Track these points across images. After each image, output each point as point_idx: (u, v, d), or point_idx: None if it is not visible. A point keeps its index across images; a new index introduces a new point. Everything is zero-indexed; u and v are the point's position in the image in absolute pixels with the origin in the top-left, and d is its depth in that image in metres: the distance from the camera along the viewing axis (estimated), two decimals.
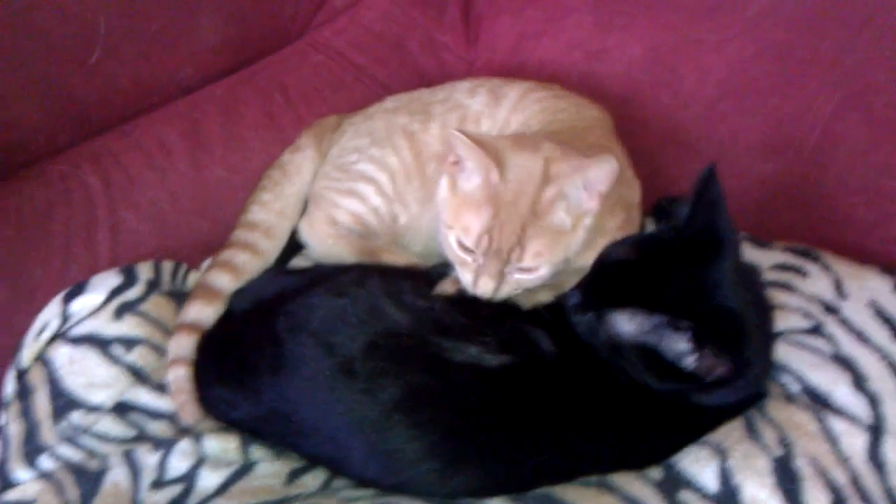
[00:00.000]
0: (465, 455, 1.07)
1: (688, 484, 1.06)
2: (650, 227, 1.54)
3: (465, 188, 1.22)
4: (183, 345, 1.27)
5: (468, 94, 1.52)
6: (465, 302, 1.22)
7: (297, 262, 1.49)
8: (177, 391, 1.23)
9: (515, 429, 1.08)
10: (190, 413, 1.21)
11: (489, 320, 1.18)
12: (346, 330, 1.13)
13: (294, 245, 1.50)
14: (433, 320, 1.15)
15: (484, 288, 1.19)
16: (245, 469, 1.14)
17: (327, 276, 1.29)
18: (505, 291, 1.21)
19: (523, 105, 1.49)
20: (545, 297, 1.25)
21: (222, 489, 1.11)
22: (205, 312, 1.32)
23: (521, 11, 1.84)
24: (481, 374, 1.09)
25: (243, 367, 1.19)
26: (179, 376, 1.24)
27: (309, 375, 1.12)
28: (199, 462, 1.13)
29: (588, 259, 1.29)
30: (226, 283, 1.36)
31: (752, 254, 1.39)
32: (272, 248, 1.46)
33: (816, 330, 1.24)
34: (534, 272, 1.20)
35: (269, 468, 1.14)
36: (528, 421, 1.08)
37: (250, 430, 1.18)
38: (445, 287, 1.25)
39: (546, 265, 1.19)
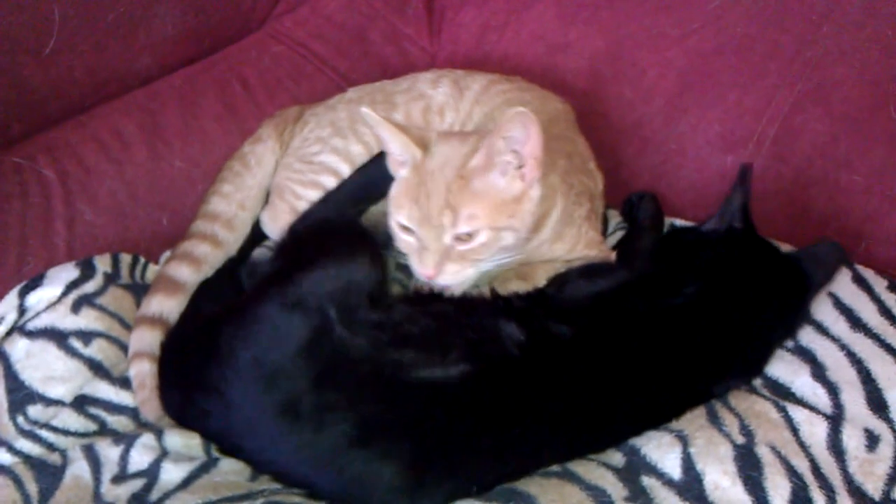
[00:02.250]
0: (432, 473, 1.05)
1: (650, 469, 1.06)
2: (614, 219, 1.55)
3: (401, 176, 1.23)
4: (145, 339, 1.26)
5: (431, 85, 1.52)
6: (428, 300, 1.20)
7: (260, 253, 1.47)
8: (139, 386, 1.21)
9: (480, 439, 1.06)
10: (151, 409, 1.20)
11: (453, 319, 1.15)
12: (289, 357, 1.07)
13: (256, 236, 1.49)
14: (391, 330, 1.10)
15: (427, 263, 1.17)
16: (208, 464, 1.12)
17: (281, 276, 1.21)
18: (453, 270, 1.18)
19: (487, 97, 1.49)
20: (519, 288, 1.24)
21: (185, 483, 1.09)
22: (167, 305, 1.30)
23: (485, 3, 1.85)
24: (440, 391, 1.06)
25: (194, 382, 1.13)
26: (142, 371, 1.22)
27: (250, 413, 1.07)
28: (162, 456, 1.12)
29: (557, 250, 1.30)
30: (186, 274, 1.35)
31: None
32: (233, 239, 1.44)
33: None
34: (474, 239, 1.17)
35: (234, 464, 1.12)
36: (492, 429, 1.06)
37: (207, 438, 1.16)
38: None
39: (485, 230, 1.16)
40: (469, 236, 1.17)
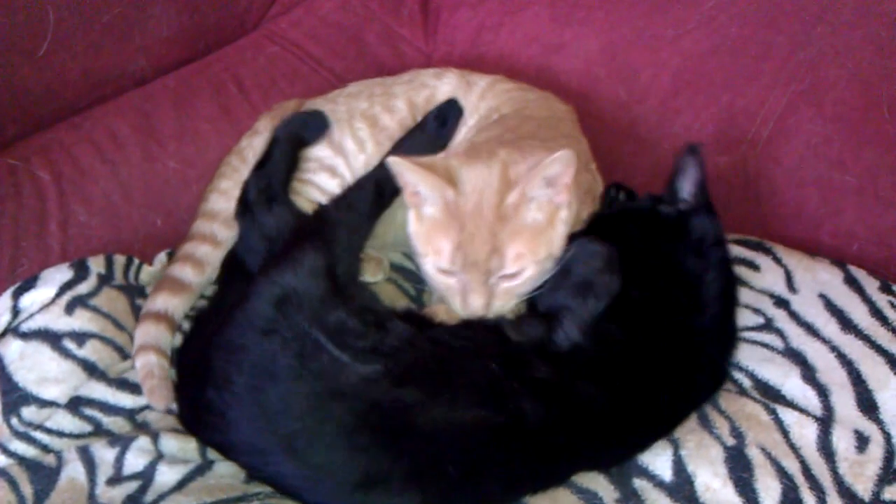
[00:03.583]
0: None
1: (642, 472, 1.07)
2: None
3: (428, 214, 1.22)
4: (150, 332, 1.27)
5: (434, 77, 1.53)
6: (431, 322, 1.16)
7: None
8: (147, 376, 1.22)
9: (493, 485, 1.03)
10: (160, 398, 1.21)
11: (465, 356, 1.09)
12: (278, 388, 1.03)
13: None
14: (390, 358, 1.04)
15: (475, 305, 1.17)
16: (203, 467, 1.12)
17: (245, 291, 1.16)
18: (499, 305, 1.19)
19: (493, 93, 1.49)
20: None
21: (180, 485, 1.09)
22: (171, 302, 1.32)
23: (480, 4, 1.84)
24: (451, 438, 1.00)
25: (197, 400, 1.12)
26: (149, 362, 1.23)
27: (251, 437, 1.04)
28: (157, 459, 1.12)
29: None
30: (190, 275, 1.36)
31: None
32: (232, 238, 1.44)
33: (767, 325, 1.26)
34: (520, 276, 1.18)
35: (229, 467, 1.13)
36: (509, 475, 1.03)
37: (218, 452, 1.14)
38: (438, 312, 1.25)
39: (530, 265, 1.17)
40: (515, 274, 1.18)
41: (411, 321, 1.14)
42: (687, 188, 1.26)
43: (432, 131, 1.44)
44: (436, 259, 1.20)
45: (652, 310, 1.17)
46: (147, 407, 1.23)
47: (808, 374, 1.17)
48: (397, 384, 1.01)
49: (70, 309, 1.26)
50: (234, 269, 1.36)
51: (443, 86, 1.50)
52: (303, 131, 1.45)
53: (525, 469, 1.04)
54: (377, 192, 1.31)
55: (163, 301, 1.31)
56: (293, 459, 1.00)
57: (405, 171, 1.19)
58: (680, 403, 1.14)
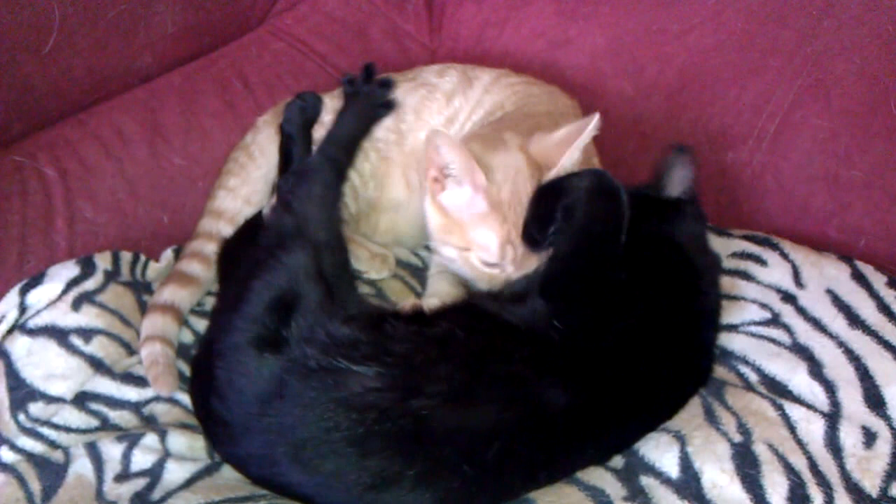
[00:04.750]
0: None
1: (648, 469, 1.07)
2: None
3: (455, 203, 1.22)
4: (156, 324, 1.27)
5: (437, 75, 1.53)
6: (430, 320, 1.12)
7: None
8: (152, 364, 1.22)
9: (509, 484, 1.03)
10: (165, 384, 1.21)
11: (472, 350, 1.05)
12: (283, 404, 1.00)
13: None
14: (392, 364, 1.01)
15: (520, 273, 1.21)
16: (212, 467, 1.13)
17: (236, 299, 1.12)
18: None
19: (497, 88, 1.49)
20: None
21: (188, 483, 1.10)
22: (178, 294, 1.32)
23: None
24: (465, 440, 0.99)
25: (204, 407, 1.11)
26: (154, 351, 1.24)
27: (256, 454, 1.03)
28: (165, 457, 1.12)
29: None
30: (198, 269, 1.37)
31: (711, 242, 1.40)
32: None
33: (774, 321, 1.26)
34: None
35: None
36: (522, 474, 1.03)
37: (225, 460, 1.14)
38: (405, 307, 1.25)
39: None
40: None
41: (406, 318, 1.11)
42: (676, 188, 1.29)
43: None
44: (483, 255, 1.21)
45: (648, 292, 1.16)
46: (153, 400, 1.23)
47: (816, 369, 1.16)
48: (404, 390, 0.99)
49: (77, 305, 1.26)
50: (232, 263, 1.35)
51: (444, 84, 1.50)
52: (305, 115, 1.42)
53: (542, 459, 1.03)
54: (331, 164, 1.22)
55: (170, 293, 1.32)
56: (302, 469, 0.99)
57: (446, 147, 1.18)
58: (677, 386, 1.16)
